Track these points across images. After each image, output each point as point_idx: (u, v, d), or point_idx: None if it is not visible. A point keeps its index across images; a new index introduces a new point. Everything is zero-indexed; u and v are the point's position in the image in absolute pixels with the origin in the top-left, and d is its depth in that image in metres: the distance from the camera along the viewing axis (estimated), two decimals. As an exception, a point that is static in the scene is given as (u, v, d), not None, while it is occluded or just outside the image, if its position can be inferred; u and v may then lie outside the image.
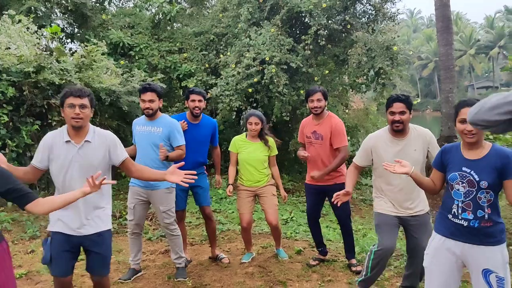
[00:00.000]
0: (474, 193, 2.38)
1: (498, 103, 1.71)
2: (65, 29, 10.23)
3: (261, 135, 4.23)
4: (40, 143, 2.76)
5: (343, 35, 9.40)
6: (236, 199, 4.46)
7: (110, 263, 2.88)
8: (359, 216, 7.30)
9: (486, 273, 2.38)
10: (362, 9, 9.80)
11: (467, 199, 2.40)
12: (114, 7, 11.81)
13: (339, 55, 9.34)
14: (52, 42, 8.29)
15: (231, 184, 4.26)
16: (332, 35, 9.19)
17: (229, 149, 4.36)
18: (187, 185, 2.87)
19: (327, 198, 4.25)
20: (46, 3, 9.04)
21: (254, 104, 9.42)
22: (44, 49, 6.58)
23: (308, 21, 8.74)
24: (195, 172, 2.90)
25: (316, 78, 9.19)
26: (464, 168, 2.40)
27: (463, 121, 2.35)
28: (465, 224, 2.41)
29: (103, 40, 8.11)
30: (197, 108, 4.11)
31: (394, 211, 3.28)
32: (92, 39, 9.02)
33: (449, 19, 9.84)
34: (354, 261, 4.16)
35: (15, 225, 5.25)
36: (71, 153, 2.68)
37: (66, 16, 9.32)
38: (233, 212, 6.69)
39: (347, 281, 3.79)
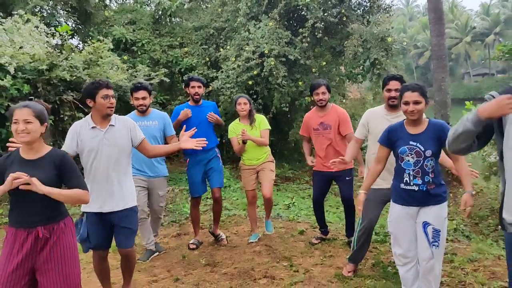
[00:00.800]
0: (422, 161, 2.81)
1: (452, 139, 2.13)
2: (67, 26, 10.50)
3: (250, 116, 4.61)
4: (69, 131, 3.08)
5: (339, 27, 9.68)
6: (241, 178, 4.83)
7: (135, 236, 3.23)
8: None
9: (425, 225, 2.84)
10: (357, 1, 10.10)
11: (416, 167, 2.83)
12: (115, 3, 12.06)
13: (336, 46, 9.65)
14: (55, 39, 8.59)
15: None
16: (328, 28, 9.49)
17: (229, 137, 4.70)
18: (200, 148, 3.22)
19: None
20: (50, 1, 9.29)
21: (254, 96, 9.72)
22: (54, 48, 6.87)
23: (305, 14, 9.01)
24: (204, 139, 3.26)
25: (313, 70, 9.50)
26: (411, 142, 2.83)
27: (406, 103, 2.79)
28: (416, 189, 2.84)
29: (108, 37, 8.40)
30: (197, 94, 4.53)
31: (385, 184, 3.48)
32: (96, 36, 9.33)
33: (440, 11, 10.12)
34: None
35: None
36: (99, 137, 3.02)
37: (69, 13, 9.55)
38: (237, 199, 7.06)
39: (346, 255, 4.14)
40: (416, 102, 2.75)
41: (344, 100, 10.96)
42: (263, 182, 4.66)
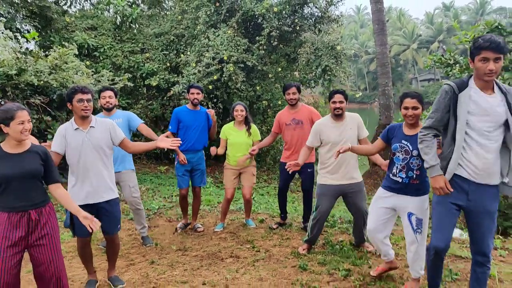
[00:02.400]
0: (408, 159, 3.29)
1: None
2: (23, 31, 10.50)
3: (246, 122, 5.12)
4: (57, 133, 3.43)
5: (293, 35, 10.37)
6: (224, 176, 5.29)
7: (119, 223, 3.65)
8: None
9: (409, 215, 3.33)
10: (309, 12, 10.83)
11: (404, 163, 3.32)
12: (74, 8, 12.18)
13: (290, 54, 10.33)
14: (20, 44, 8.69)
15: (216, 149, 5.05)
16: (283, 36, 10.16)
17: (220, 137, 5.14)
18: (175, 147, 3.56)
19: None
20: (11, 7, 9.38)
21: (215, 100, 10.21)
22: (21, 53, 7.08)
23: (262, 23, 9.63)
24: (179, 139, 3.64)
25: (270, 75, 10.16)
26: (403, 141, 3.34)
27: (406, 108, 3.26)
28: (400, 180, 3.35)
29: (72, 43, 8.62)
30: (196, 99, 5.06)
31: (336, 182, 4.21)
32: (57, 41, 9.51)
33: (383, 23, 11.06)
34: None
35: None
36: (81, 138, 3.40)
37: (30, 19, 9.65)
38: (202, 195, 7.52)
39: (301, 238, 4.76)
40: (414, 108, 3.25)
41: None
42: (244, 185, 5.19)
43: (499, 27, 5.82)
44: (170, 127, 5.10)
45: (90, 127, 3.46)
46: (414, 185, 3.31)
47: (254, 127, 5.20)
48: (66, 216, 3.48)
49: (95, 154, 3.45)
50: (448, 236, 2.85)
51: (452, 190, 2.77)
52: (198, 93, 5.08)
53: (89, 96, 3.40)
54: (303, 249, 4.34)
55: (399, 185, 3.36)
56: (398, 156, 3.35)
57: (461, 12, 62.33)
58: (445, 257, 2.92)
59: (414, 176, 3.29)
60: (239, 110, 5.06)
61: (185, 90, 9.33)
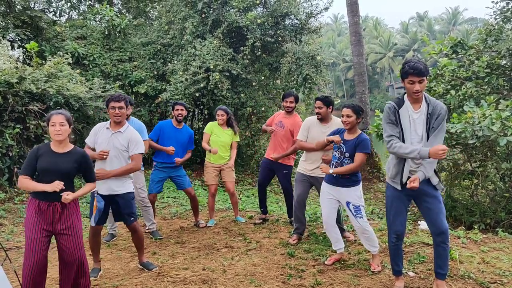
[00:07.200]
0: (342, 158, 3.99)
1: (396, 152, 3.15)
2: (16, 41, 10.76)
3: (230, 124, 5.63)
4: (92, 129, 3.94)
5: (275, 46, 10.91)
6: (205, 174, 5.73)
7: (134, 215, 4.02)
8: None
9: (348, 204, 4.02)
10: (290, 23, 11.41)
11: (339, 161, 4.01)
12: (62, 18, 12.48)
13: (273, 63, 10.88)
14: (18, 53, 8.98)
15: (211, 149, 5.47)
16: (266, 46, 10.69)
17: (204, 131, 5.59)
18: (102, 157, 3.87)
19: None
20: (3, 18, 9.66)
21: (201, 107, 10.67)
22: (21, 62, 7.41)
23: (246, 34, 10.15)
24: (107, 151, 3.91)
25: (254, 83, 10.67)
26: (341, 144, 3.99)
27: (343, 115, 3.94)
28: (335, 175, 4.01)
29: (63, 52, 8.96)
30: (180, 115, 5.44)
31: (306, 171, 4.79)
32: (48, 50, 9.83)
33: (360, 35, 11.76)
34: (294, 218, 5.61)
35: (10, 213, 6.16)
36: (107, 137, 3.87)
37: (22, 29, 9.92)
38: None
39: (288, 231, 5.27)
40: (348, 116, 3.89)
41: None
42: (226, 180, 5.68)
43: (461, 42, 6.50)
44: (149, 134, 5.30)
45: (118, 131, 3.90)
46: (345, 179, 3.99)
47: (237, 129, 5.71)
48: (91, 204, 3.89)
49: (113, 153, 3.86)
50: (404, 221, 3.44)
51: None
52: (182, 110, 5.45)
53: (121, 104, 3.86)
54: (293, 240, 4.85)
55: (335, 179, 4.03)
56: (335, 155, 4.04)
57: (435, 22, 64.46)
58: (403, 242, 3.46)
59: None
60: (220, 114, 5.62)
61: (172, 97, 9.80)
